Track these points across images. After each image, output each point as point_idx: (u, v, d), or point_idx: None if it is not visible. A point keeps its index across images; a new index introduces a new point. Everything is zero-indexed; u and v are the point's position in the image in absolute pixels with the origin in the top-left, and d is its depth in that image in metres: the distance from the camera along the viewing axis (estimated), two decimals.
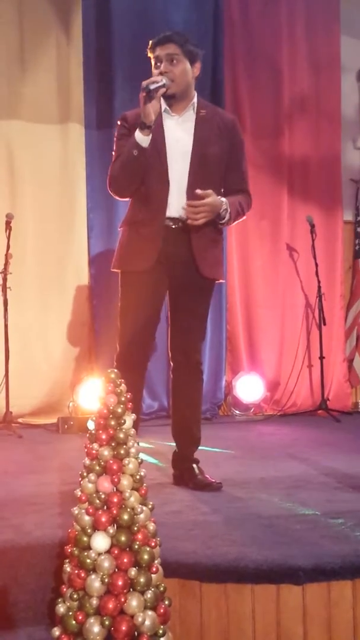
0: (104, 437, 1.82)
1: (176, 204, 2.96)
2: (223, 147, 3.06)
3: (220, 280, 3.16)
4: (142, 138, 2.87)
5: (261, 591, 2.03)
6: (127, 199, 3.08)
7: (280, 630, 2.02)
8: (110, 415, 1.83)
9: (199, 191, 2.89)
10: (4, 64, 5.33)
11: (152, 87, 2.82)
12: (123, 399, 1.86)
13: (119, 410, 1.83)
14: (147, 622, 1.74)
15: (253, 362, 5.85)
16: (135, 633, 1.73)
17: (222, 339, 5.76)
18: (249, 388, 5.66)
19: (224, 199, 2.97)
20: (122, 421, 1.84)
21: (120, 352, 3.03)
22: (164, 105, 3.00)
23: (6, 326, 4.90)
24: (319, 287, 5.56)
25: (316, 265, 5.57)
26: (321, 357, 5.52)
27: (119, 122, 3.07)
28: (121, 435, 1.82)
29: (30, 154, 5.38)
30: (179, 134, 3.00)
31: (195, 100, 3.06)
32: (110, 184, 3.03)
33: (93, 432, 1.85)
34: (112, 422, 1.82)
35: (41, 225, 5.40)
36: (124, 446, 1.82)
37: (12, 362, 4.90)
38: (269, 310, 5.89)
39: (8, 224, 4.95)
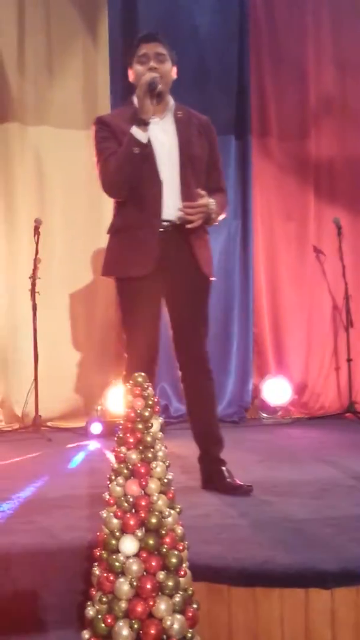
0: (131, 440, 1.83)
1: (171, 206, 2.96)
2: (204, 146, 3.08)
3: (212, 279, 3.14)
4: (142, 135, 2.87)
5: (289, 595, 2.02)
6: (120, 200, 3.05)
7: (308, 634, 2.01)
8: (138, 419, 1.84)
9: (200, 191, 2.91)
10: (33, 71, 5.40)
11: (157, 82, 2.85)
12: (150, 402, 1.87)
13: (146, 413, 1.84)
14: (176, 626, 1.74)
15: (280, 365, 5.82)
16: (164, 636, 1.73)
17: (249, 342, 5.75)
18: (277, 391, 5.64)
19: (211, 200, 2.97)
20: (150, 424, 1.84)
21: (128, 359, 3.02)
22: None
23: (35, 330, 4.94)
24: (346, 288, 5.53)
25: (343, 267, 5.54)
26: (349, 360, 5.48)
27: (96, 126, 3.05)
28: (148, 439, 1.83)
29: (59, 159, 5.43)
30: (163, 136, 3.00)
31: (172, 102, 3.07)
32: (108, 185, 2.99)
33: (121, 435, 1.86)
34: (140, 426, 1.83)
35: (69, 230, 5.45)
36: (152, 449, 1.83)
37: (41, 366, 4.94)
38: (295, 313, 5.86)
39: (37, 229, 5.00)
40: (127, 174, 2.93)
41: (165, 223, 2.97)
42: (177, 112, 3.07)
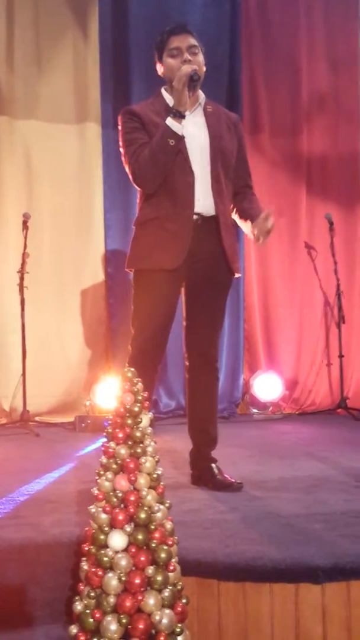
0: (120, 435, 1.81)
1: (201, 199, 2.94)
2: (233, 142, 3.08)
3: (238, 275, 3.12)
4: (178, 127, 2.85)
5: (280, 590, 2.02)
6: (149, 192, 2.97)
7: (298, 629, 2.01)
8: (127, 414, 1.83)
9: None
10: (21, 64, 5.35)
11: (198, 73, 2.86)
12: (140, 397, 1.86)
13: (136, 409, 1.83)
14: (165, 621, 1.74)
15: (271, 361, 5.82)
16: (153, 631, 1.73)
17: (240, 338, 5.74)
18: (267, 387, 5.63)
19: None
20: (139, 420, 1.83)
21: (133, 355, 2.94)
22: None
23: (23, 325, 4.91)
24: (338, 285, 5.53)
25: (335, 263, 5.54)
26: (340, 356, 5.48)
27: (125, 116, 2.99)
28: (138, 434, 1.82)
29: (47, 153, 5.40)
30: (193, 128, 2.98)
31: (203, 96, 3.06)
32: (140, 176, 2.93)
33: (110, 430, 1.85)
34: (129, 421, 1.82)
35: (58, 224, 5.42)
36: (141, 445, 1.82)
37: (29, 361, 4.92)
38: (287, 309, 5.86)
39: (25, 224, 4.97)
40: (161, 166, 2.88)
41: (195, 216, 2.94)
42: (206, 107, 3.06)
